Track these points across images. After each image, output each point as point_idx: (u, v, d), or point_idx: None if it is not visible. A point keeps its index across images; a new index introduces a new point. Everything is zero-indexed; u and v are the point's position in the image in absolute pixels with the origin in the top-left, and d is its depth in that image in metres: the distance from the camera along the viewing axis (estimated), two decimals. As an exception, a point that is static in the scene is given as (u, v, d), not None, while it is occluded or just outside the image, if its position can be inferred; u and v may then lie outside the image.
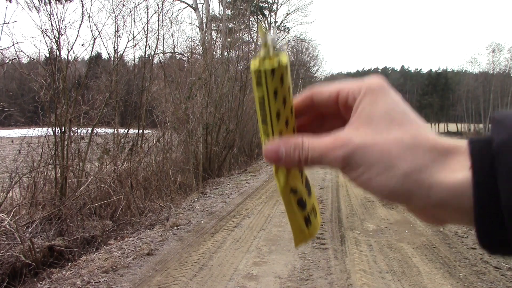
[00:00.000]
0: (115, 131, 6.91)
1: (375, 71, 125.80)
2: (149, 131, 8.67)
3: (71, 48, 5.17)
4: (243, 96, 12.63)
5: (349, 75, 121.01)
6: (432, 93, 65.33)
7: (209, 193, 6.86)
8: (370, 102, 0.30)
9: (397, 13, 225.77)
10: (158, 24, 8.04)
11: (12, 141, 5.50)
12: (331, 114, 0.35)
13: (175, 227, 4.28)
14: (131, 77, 7.67)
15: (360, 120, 0.30)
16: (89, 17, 5.54)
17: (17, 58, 4.74)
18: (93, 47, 5.74)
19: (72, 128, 5.19)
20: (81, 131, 5.54)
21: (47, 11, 4.84)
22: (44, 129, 4.98)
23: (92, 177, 5.16)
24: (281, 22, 34.64)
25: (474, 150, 0.27)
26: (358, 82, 0.31)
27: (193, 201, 6.10)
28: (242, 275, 2.94)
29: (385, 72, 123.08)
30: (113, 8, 6.40)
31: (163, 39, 8.78)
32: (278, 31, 34.54)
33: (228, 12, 16.36)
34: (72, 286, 2.76)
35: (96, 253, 3.60)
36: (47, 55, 5.44)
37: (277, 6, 33.55)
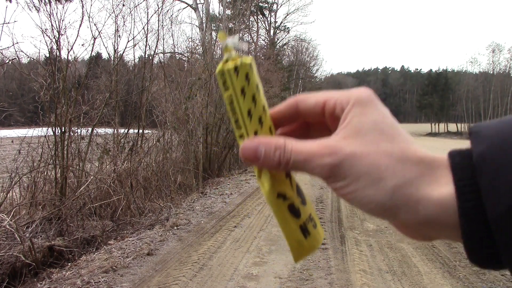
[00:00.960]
0: (115, 131, 6.91)
1: (375, 71, 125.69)
2: (149, 131, 8.67)
3: (71, 48, 5.18)
4: (243, 96, 12.61)
5: (349, 75, 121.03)
6: (432, 93, 65.29)
7: (209, 193, 6.86)
8: (359, 114, 0.29)
9: (397, 13, 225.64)
10: (158, 24, 8.05)
11: (12, 141, 5.50)
12: (316, 124, 0.34)
13: (175, 227, 4.28)
14: (131, 77, 7.67)
15: (348, 131, 0.29)
16: (89, 17, 5.54)
17: (17, 58, 4.74)
18: (93, 47, 5.74)
19: (72, 128, 5.19)
20: (81, 131, 5.54)
21: (47, 11, 4.84)
22: (44, 129, 4.98)
23: (92, 177, 5.16)
24: (281, 22, 34.64)
25: (455, 163, 0.26)
26: (346, 93, 0.30)
27: (193, 201, 6.10)
28: (242, 275, 2.94)
29: (385, 72, 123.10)
30: (113, 8, 6.40)
31: (163, 39, 8.79)
32: (278, 31, 34.56)
33: (228, 12, 16.36)
34: (72, 286, 2.76)
35: (96, 253, 3.60)
36: (47, 55, 5.44)
37: (277, 6, 33.58)
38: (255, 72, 0.31)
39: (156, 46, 8.01)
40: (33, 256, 3.47)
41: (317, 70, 53.72)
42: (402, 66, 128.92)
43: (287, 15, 33.94)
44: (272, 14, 33.92)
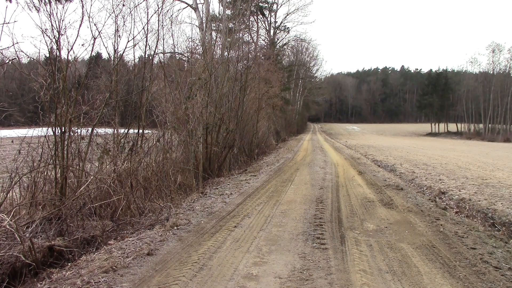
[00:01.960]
0: (115, 131, 6.91)
1: (375, 71, 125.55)
2: (149, 131, 8.67)
3: (71, 48, 5.16)
4: (243, 96, 12.63)
5: (349, 75, 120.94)
6: (432, 93, 65.26)
7: (209, 193, 6.86)
8: None
9: (397, 13, 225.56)
10: (158, 24, 8.04)
11: (12, 141, 5.50)
12: None
13: (175, 227, 4.28)
14: (131, 77, 7.66)
15: None
16: (89, 17, 5.53)
17: (17, 58, 4.73)
18: (93, 47, 5.73)
19: (72, 128, 5.19)
20: (81, 131, 5.54)
21: (47, 11, 4.83)
22: (44, 129, 4.97)
23: (92, 177, 5.16)
24: (281, 22, 34.64)
25: None
26: None
27: (193, 201, 6.10)
28: (242, 275, 2.94)
29: (385, 72, 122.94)
30: (113, 8, 6.39)
31: (163, 39, 8.78)
32: (278, 31, 34.55)
33: (228, 12, 16.36)
34: (72, 286, 2.76)
35: (96, 253, 3.60)
36: (47, 55, 5.43)
37: (277, 6, 33.59)
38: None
39: (156, 46, 8.01)
40: (33, 256, 3.47)
41: (317, 70, 53.83)
42: (402, 66, 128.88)
43: (287, 15, 33.94)
44: (272, 14, 33.92)
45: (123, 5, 6.60)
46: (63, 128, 4.88)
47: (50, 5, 4.82)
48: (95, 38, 5.66)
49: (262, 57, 20.88)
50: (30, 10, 4.86)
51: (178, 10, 16.79)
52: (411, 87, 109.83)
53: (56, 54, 5.01)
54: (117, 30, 6.71)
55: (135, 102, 7.43)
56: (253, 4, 24.71)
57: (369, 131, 66.19)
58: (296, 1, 50.87)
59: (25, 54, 4.97)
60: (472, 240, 4.06)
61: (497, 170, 11.21)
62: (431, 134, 62.26)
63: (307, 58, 45.82)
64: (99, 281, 2.80)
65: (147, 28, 7.50)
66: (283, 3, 38.54)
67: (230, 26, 14.65)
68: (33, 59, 5.28)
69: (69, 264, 3.49)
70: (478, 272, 3.14)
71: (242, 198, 6.10)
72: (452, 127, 63.65)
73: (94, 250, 3.94)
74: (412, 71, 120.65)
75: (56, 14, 4.85)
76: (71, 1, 5.07)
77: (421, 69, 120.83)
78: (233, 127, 11.44)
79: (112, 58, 7.04)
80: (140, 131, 7.25)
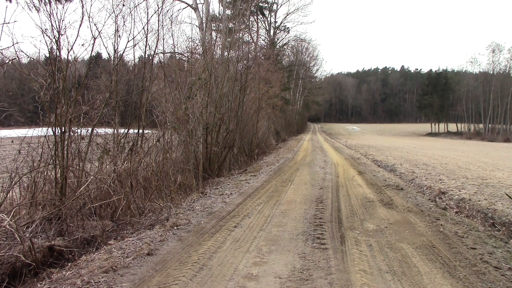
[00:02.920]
0: (115, 131, 6.91)
1: (375, 71, 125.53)
2: (149, 131, 8.67)
3: (71, 48, 5.16)
4: (243, 96, 12.64)
5: (349, 75, 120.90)
6: (432, 93, 65.27)
7: (209, 193, 6.86)
8: None
9: (397, 13, 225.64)
10: (158, 24, 8.04)
11: (12, 141, 5.50)
12: None
13: (175, 227, 4.28)
14: (131, 77, 7.66)
15: None
16: (89, 17, 5.53)
17: (17, 58, 4.73)
18: (93, 47, 5.73)
19: (72, 128, 5.19)
20: (81, 131, 5.54)
21: (47, 11, 4.83)
22: (44, 129, 4.97)
23: (92, 177, 5.16)
24: (281, 22, 34.64)
25: None
26: None
27: (193, 201, 6.10)
28: (242, 275, 2.94)
29: (385, 72, 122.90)
30: (113, 8, 6.39)
31: (163, 39, 8.79)
32: (278, 31, 34.54)
33: (228, 12, 16.36)
34: (72, 286, 2.76)
35: (96, 253, 3.60)
36: (47, 55, 5.43)
37: (277, 6, 33.57)
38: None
39: (156, 46, 8.01)
40: (33, 256, 3.47)
41: (317, 70, 53.82)
42: (402, 66, 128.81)
43: (287, 15, 33.93)
44: (272, 14, 33.91)
45: (123, 5, 6.60)
46: (63, 128, 4.88)
47: (50, 5, 4.82)
48: (95, 38, 5.66)
49: (262, 57, 20.87)
50: (30, 10, 4.86)
51: (178, 10, 16.80)
52: (411, 87, 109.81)
53: (56, 54, 5.01)
54: (117, 30, 6.72)
55: (135, 102, 7.43)
56: (253, 4, 24.71)
57: (369, 131, 66.18)
58: (296, 1, 50.88)
59: (25, 54, 4.97)
60: (472, 240, 4.06)
61: (497, 170, 11.22)
62: (431, 134, 62.26)
63: (307, 58, 45.83)
64: (99, 281, 2.80)
65: (147, 28, 7.50)
66: (283, 3, 38.57)
67: (230, 26, 14.64)
68: (33, 59, 5.28)
69: (69, 264, 3.49)
70: (478, 272, 3.14)
71: (242, 198, 6.10)
72: (452, 127, 63.65)
73: (94, 250, 3.93)
74: (412, 71, 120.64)
75: (56, 14, 4.85)
76: (71, 1, 5.07)
77: (421, 69, 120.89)
78: (233, 127, 11.45)
79: (112, 58, 7.04)
80: (140, 131, 7.25)
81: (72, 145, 5.26)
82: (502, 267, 3.28)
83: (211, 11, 16.91)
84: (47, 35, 4.87)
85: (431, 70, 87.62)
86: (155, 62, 8.77)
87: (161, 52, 9.16)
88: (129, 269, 3.06)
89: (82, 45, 5.71)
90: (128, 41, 7.01)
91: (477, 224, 5.11)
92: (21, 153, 4.78)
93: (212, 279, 2.85)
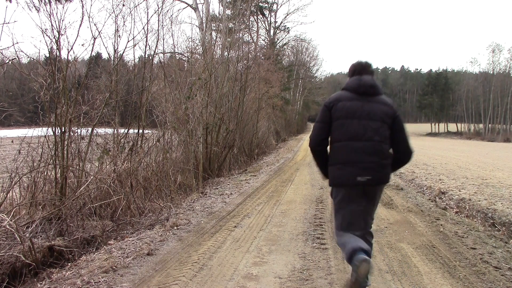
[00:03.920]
0: (115, 131, 6.91)
1: (375, 71, 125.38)
2: (149, 131, 8.67)
3: (71, 48, 5.16)
4: (243, 96, 12.64)
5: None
6: (432, 93, 65.28)
7: (209, 193, 6.86)
8: None
9: (397, 13, 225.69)
10: (158, 24, 8.05)
11: (12, 141, 5.50)
12: None
13: (175, 227, 4.28)
14: (131, 77, 7.67)
15: None
16: (89, 17, 5.53)
17: (17, 58, 4.73)
18: (93, 47, 5.72)
19: (72, 128, 5.19)
20: (81, 131, 5.54)
21: (47, 11, 4.83)
22: (44, 129, 4.97)
23: (92, 177, 5.16)
24: (281, 22, 34.64)
25: None
26: None
27: (193, 201, 6.10)
28: (242, 275, 2.94)
29: (385, 72, 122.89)
30: (113, 8, 6.39)
31: (163, 39, 8.79)
32: (278, 31, 34.54)
33: (228, 12, 16.35)
34: (72, 286, 2.76)
35: (96, 253, 3.60)
36: (47, 55, 5.43)
37: (277, 6, 33.59)
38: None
39: (156, 46, 8.01)
40: (33, 256, 3.47)
41: (317, 70, 53.82)
42: (402, 66, 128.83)
43: (287, 15, 33.94)
44: (272, 14, 33.92)
45: (123, 5, 6.61)
46: (63, 128, 4.88)
47: (50, 5, 4.82)
48: (95, 38, 5.66)
49: (262, 57, 20.86)
50: (30, 10, 4.86)
51: (178, 10, 16.81)
52: (411, 87, 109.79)
53: (56, 54, 5.01)
54: (117, 30, 6.72)
55: (135, 102, 7.43)
56: (253, 4, 24.70)
57: (369, 131, 66.01)
58: (296, 1, 51.01)
59: (25, 54, 4.97)
60: (472, 240, 4.06)
61: (497, 170, 11.22)
62: (431, 134, 62.26)
63: (307, 58, 45.82)
64: (99, 281, 2.80)
65: (147, 28, 7.50)
66: (283, 3, 38.60)
67: (230, 26, 14.64)
68: (33, 59, 5.28)
69: (69, 264, 3.49)
70: (478, 272, 3.14)
71: (242, 198, 6.10)
72: (452, 127, 63.64)
73: (94, 250, 3.93)
74: (412, 71, 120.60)
75: (56, 14, 4.85)
76: (71, 1, 5.07)
77: (421, 69, 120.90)
78: (233, 127, 11.44)
79: (112, 58, 7.04)
80: (140, 131, 7.25)
81: (72, 145, 5.26)
82: (502, 267, 3.28)
83: (211, 11, 16.92)
84: (47, 35, 4.88)
85: (431, 70, 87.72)
86: (155, 62, 8.78)
87: (161, 52, 9.17)
88: (129, 269, 3.06)
89: (82, 45, 5.71)
90: (128, 41, 7.01)
91: (477, 224, 5.11)
92: (21, 153, 4.78)
93: (212, 279, 2.85)
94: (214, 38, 13.79)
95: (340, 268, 3.12)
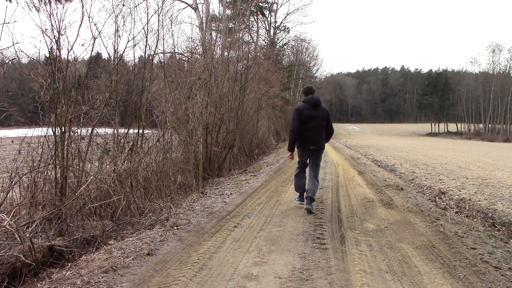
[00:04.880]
0: (115, 131, 6.91)
1: (375, 71, 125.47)
2: (149, 131, 8.67)
3: (71, 48, 5.16)
4: (243, 96, 12.64)
5: (349, 75, 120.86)
6: (432, 93, 65.30)
7: (209, 193, 6.86)
8: None
9: (397, 13, 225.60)
10: (158, 24, 8.05)
11: (12, 141, 5.50)
12: None
13: (175, 227, 4.28)
14: (131, 77, 7.67)
15: None
16: (89, 17, 5.53)
17: (17, 58, 4.73)
18: (93, 47, 5.72)
19: (72, 128, 5.19)
20: (81, 131, 5.54)
21: (47, 11, 4.83)
22: (44, 129, 4.97)
23: (92, 177, 5.16)
24: (281, 22, 34.66)
25: None
26: None
27: (193, 201, 6.10)
28: (242, 275, 2.94)
29: (385, 72, 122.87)
30: (113, 8, 6.39)
31: (163, 39, 8.79)
32: (278, 31, 34.54)
33: (228, 12, 16.36)
34: (72, 286, 2.76)
35: (96, 253, 3.60)
36: (47, 55, 5.43)
37: (277, 6, 33.61)
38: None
39: (156, 46, 8.02)
40: (33, 256, 3.47)
41: (317, 70, 53.83)
42: (402, 66, 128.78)
43: (287, 15, 33.95)
44: (272, 14, 33.94)
45: (123, 5, 6.61)
46: (63, 128, 4.88)
47: (50, 5, 4.82)
48: (95, 38, 5.66)
49: (262, 57, 20.85)
50: (30, 10, 4.86)
51: (178, 10, 16.83)
52: (411, 87, 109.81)
53: (56, 54, 5.01)
54: (117, 30, 6.72)
55: (135, 102, 7.43)
56: (253, 4, 24.70)
57: (369, 131, 66.18)
58: (296, 1, 50.99)
59: (25, 54, 4.97)
60: (472, 240, 4.06)
61: (497, 170, 11.22)
62: (431, 134, 62.26)
63: (307, 58, 45.82)
64: (99, 281, 2.80)
65: (147, 28, 7.50)
66: (283, 3, 38.59)
67: (230, 26, 14.64)
68: (33, 59, 5.28)
69: (69, 264, 3.49)
70: (478, 272, 3.14)
71: (242, 198, 6.10)
72: (452, 127, 63.65)
73: (94, 250, 3.93)
74: (412, 71, 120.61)
75: (56, 14, 4.85)
76: (71, 1, 5.07)
77: (421, 69, 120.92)
78: (233, 127, 11.44)
79: (112, 58, 7.04)
80: (140, 131, 7.25)
81: (72, 145, 5.26)
82: (502, 267, 3.28)
83: (211, 11, 16.93)
84: (47, 35, 4.88)
85: (431, 70, 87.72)
86: (155, 62, 8.78)
87: (161, 52, 9.17)
88: (129, 269, 3.06)
89: (82, 45, 5.72)
90: (128, 41, 7.01)
91: (477, 224, 5.12)
92: (21, 153, 4.78)
93: (212, 279, 2.85)
94: (214, 38, 13.80)
95: (340, 268, 3.12)
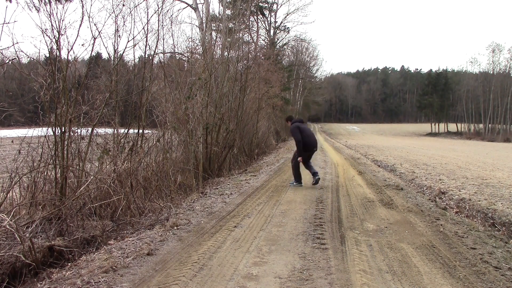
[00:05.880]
0: (115, 131, 6.91)
1: (375, 71, 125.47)
2: (149, 131, 8.67)
3: (71, 48, 5.16)
4: (243, 96, 12.64)
5: (349, 75, 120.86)
6: (432, 93, 65.29)
7: (209, 193, 6.86)
8: None
9: (397, 13, 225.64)
10: (158, 24, 8.05)
11: (12, 141, 5.50)
12: None
13: (175, 227, 4.28)
14: (131, 77, 7.67)
15: None
16: (89, 17, 5.53)
17: (17, 58, 4.73)
18: (93, 47, 5.72)
19: (72, 128, 5.19)
20: (81, 131, 5.54)
21: (47, 11, 4.83)
22: (44, 129, 4.97)
23: (92, 177, 5.16)
24: (281, 22, 34.66)
25: None
26: None
27: (193, 201, 6.10)
28: (242, 275, 2.94)
29: (385, 72, 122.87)
30: (113, 8, 6.39)
31: (163, 39, 8.80)
32: (278, 31, 34.54)
33: (228, 12, 16.36)
34: (72, 286, 2.76)
35: (96, 253, 3.60)
36: (47, 55, 5.43)
37: (277, 6, 33.61)
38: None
39: (156, 46, 8.02)
40: (33, 256, 3.47)
41: (317, 70, 53.91)
42: (402, 66, 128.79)
43: (287, 15, 33.95)
44: (272, 14, 33.94)
45: (123, 5, 6.61)
46: (63, 128, 4.88)
47: (50, 5, 4.82)
48: (95, 38, 5.66)
49: (262, 57, 20.86)
50: (30, 10, 4.86)
51: (178, 10, 16.83)
52: (411, 87, 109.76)
53: (56, 54, 5.01)
54: (117, 30, 6.72)
55: (135, 102, 7.43)
56: (253, 4, 24.71)
57: (369, 131, 66.19)
58: (296, 1, 51.00)
59: (25, 54, 4.97)
60: (472, 240, 4.06)
61: (497, 170, 11.22)
62: (431, 134, 62.27)
63: (307, 58, 45.85)
64: (99, 281, 2.80)
65: (147, 28, 7.50)
66: (283, 3, 38.61)
67: (230, 26, 14.64)
68: (33, 59, 5.28)
69: (69, 264, 3.49)
70: (478, 272, 3.14)
71: (242, 198, 6.10)
72: (452, 127, 63.65)
73: (94, 250, 3.93)
74: (412, 71, 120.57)
75: (56, 14, 4.85)
76: (71, 1, 5.07)
77: (421, 69, 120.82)
78: (233, 127, 11.45)
79: (112, 58, 7.04)
80: (140, 131, 7.25)
81: (72, 145, 5.26)
82: (502, 267, 3.28)
83: (211, 11, 16.93)
84: (47, 35, 4.88)
85: (431, 70, 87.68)
86: (155, 62, 8.79)
87: (161, 52, 9.18)
88: (129, 269, 3.06)
89: (82, 45, 5.72)
90: (128, 41, 7.01)
91: (477, 224, 5.12)
92: (21, 153, 4.78)
93: (212, 279, 2.85)
94: (214, 38, 13.80)
95: (340, 268, 3.12)
